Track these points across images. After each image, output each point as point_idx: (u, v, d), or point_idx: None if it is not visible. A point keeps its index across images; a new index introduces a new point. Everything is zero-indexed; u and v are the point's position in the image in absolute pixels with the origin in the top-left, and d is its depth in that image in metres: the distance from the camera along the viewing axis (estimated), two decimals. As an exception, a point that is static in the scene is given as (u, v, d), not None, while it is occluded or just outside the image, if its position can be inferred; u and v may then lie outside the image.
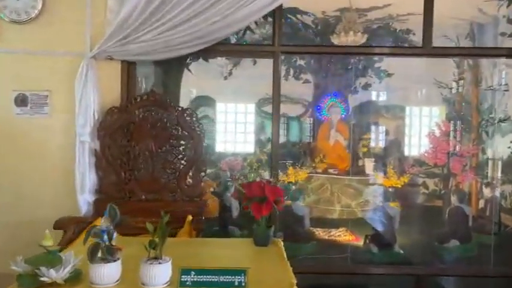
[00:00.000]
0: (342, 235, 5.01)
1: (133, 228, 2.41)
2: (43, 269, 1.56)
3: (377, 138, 6.26)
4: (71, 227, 2.60)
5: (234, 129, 6.67)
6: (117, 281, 1.64)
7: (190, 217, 2.91)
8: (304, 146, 6.28)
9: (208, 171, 5.72)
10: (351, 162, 5.97)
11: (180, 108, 3.10)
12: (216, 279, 1.64)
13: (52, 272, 1.56)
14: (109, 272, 1.59)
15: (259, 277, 1.74)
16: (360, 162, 6.05)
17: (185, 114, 3.09)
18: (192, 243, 2.36)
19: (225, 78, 6.02)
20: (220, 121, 6.45)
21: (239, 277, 1.65)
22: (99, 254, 1.60)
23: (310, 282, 3.40)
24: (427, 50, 3.27)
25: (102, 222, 1.74)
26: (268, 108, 5.71)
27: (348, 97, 6.15)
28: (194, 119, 3.09)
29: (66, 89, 3.06)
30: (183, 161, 3.11)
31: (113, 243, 1.94)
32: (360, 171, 5.84)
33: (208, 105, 6.22)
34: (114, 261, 1.62)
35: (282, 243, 2.29)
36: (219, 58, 5.46)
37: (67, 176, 3.03)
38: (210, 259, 2.02)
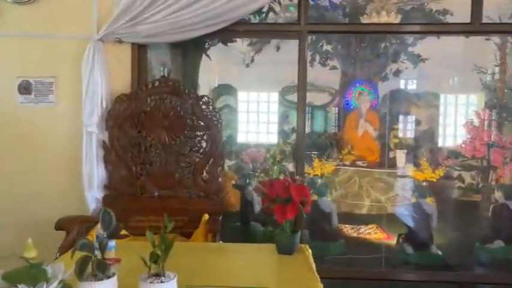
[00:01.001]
0: (372, 233, 4.66)
1: (145, 228, 2.13)
2: (21, 287, 1.29)
3: (409, 129, 5.85)
4: (74, 228, 2.35)
5: (256, 119, 6.38)
6: (112, 301, 1.36)
7: (206, 216, 2.63)
8: (331, 137, 5.92)
9: (230, 163, 5.46)
10: (380, 154, 5.60)
11: (195, 96, 2.79)
12: (230, 302, 1.35)
13: (32, 291, 1.29)
14: (101, 291, 1.31)
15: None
16: (391, 154, 5.67)
17: (201, 102, 2.79)
18: (205, 249, 2.07)
19: (247, 65, 5.70)
20: (242, 111, 6.16)
21: (259, 299, 1.35)
22: (90, 270, 1.32)
23: (339, 286, 3.09)
24: (476, 26, 2.86)
25: (98, 229, 1.46)
26: (293, 97, 5.40)
27: (378, 84, 5.76)
28: (211, 107, 2.79)
29: (72, 76, 2.81)
30: (198, 154, 2.82)
31: (110, 254, 1.67)
32: (391, 164, 5.46)
33: (229, 94, 5.93)
34: (108, 277, 1.34)
35: (310, 250, 1.97)
36: (240, 44, 5.15)
37: (74, 170, 2.78)
38: (224, 272, 1.72)
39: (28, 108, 2.88)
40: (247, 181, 4.85)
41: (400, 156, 5.53)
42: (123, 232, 1.52)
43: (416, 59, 5.57)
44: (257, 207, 4.50)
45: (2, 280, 1.32)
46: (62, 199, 2.79)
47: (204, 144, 2.82)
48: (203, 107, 2.78)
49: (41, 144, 2.87)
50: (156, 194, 2.82)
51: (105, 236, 1.39)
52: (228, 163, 5.17)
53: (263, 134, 6.37)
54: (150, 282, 1.32)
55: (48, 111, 2.88)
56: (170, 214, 1.44)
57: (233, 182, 4.84)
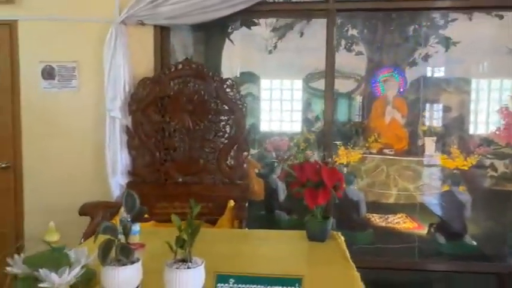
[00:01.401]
0: (401, 222, 4.50)
1: (169, 215, 2.07)
2: (43, 271, 1.24)
3: (438, 115, 5.63)
4: (98, 213, 2.31)
5: (279, 107, 6.26)
6: (136, 287, 1.29)
7: (232, 202, 2.55)
8: (356, 125, 5.75)
9: (253, 152, 5.37)
10: (409, 141, 5.42)
11: (219, 79, 2.70)
12: (261, 290, 1.26)
13: (54, 275, 1.23)
14: (125, 276, 1.24)
15: (318, 287, 1.33)
16: (420, 142, 5.48)
17: (225, 86, 2.70)
18: (232, 236, 1.99)
19: (270, 52, 5.56)
20: (265, 99, 6.06)
21: (293, 287, 1.25)
22: (113, 254, 1.25)
23: (367, 275, 2.97)
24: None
25: (122, 213, 1.39)
26: (317, 84, 5.24)
27: (406, 70, 5.54)
28: (235, 90, 2.70)
29: (94, 60, 2.77)
30: (223, 139, 2.74)
31: (135, 239, 1.61)
32: (420, 152, 5.27)
33: (252, 81, 5.81)
34: (132, 263, 1.27)
35: (342, 237, 1.87)
36: (263, 29, 5.02)
37: (98, 156, 2.75)
38: (253, 259, 1.63)
39: (52, 93, 2.85)
40: (271, 169, 4.76)
41: (430, 143, 5.33)
42: (147, 216, 1.44)
43: (447, 43, 5.31)
44: (282, 196, 4.42)
45: (23, 264, 1.27)
46: (87, 185, 2.76)
47: (228, 129, 2.74)
48: (227, 90, 2.69)
49: (65, 130, 2.84)
50: (180, 180, 2.75)
51: (128, 219, 1.31)
52: (251, 152, 5.09)
53: (286, 122, 6.25)
54: (177, 268, 1.24)
55: (72, 97, 2.84)
56: (195, 201, 1.35)
57: (256, 170, 4.75)
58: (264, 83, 6.12)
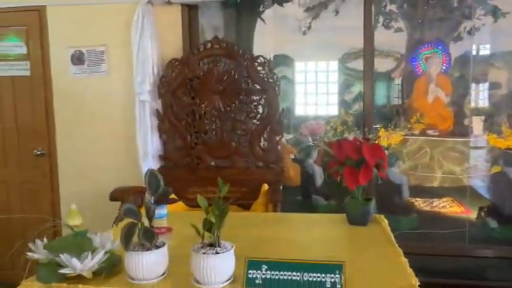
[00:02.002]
0: (447, 206, 4.25)
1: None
2: (64, 257, 1.17)
3: (485, 93, 5.26)
4: (129, 198, 2.25)
5: (315, 90, 6.07)
6: (162, 274, 1.20)
7: (266, 186, 2.44)
8: (397, 105, 5.49)
9: (288, 137, 5.23)
10: (454, 121, 5.10)
11: (249, 56, 2.57)
12: (297, 277, 1.13)
13: (75, 261, 1.15)
14: (149, 262, 1.15)
15: (361, 274, 1.20)
16: (466, 121, 5.15)
17: (256, 64, 2.56)
18: (266, 220, 1.87)
19: (304, 33, 5.36)
20: (299, 82, 5.89)
21: (332, 275, 1.12)
22: (136, 239, 1.16)
23: (412, 262, 2.79)
24: None
25: (146, 195, 1.30)
26: (354, 64, 5.02)
27: (450, 45, 5.20)
28: (267, 69, 2.56)
29: (123, 43, 2.70)
30: (255, 121, 2.62)
31: (162, 222, 1.52)
32: (466, 132, 4.95)
33: (286, 64, 5.64)
34: (157, 247, 1.18)
35: (386, 221, 1.71)
36: (295, 8, 4.83)
37: (129, 142, 2.70)
38: (288, 244, 1.51)
39: (82, 79, 2.82)
40: (308, 154, 4.61)
41: (477, 123, 5.00)
42: (172, 196, 1.34)
43: (496, 13, 4.92)
44: (319, 180, 4.29)
45: (45, 250, 1.20)
46: (119, 170, 2.73)
47: (260, 110, 2.61)
48: (259, 68, 2.56)
49: (95, 116, 2.81)
50: (213, 163, 2.66)
51: (152, 201, 1.22)
52: (286, 137, 4.95)
53: (322, 105, 6.06)
54: (204, 253, 1.13)
55: (101, 82, 2.80)
56: (223, 181, 1.24)
57: (292, 156, 4.62)
58: (299, 65, 5.94)
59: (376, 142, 4.48)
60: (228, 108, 2.62)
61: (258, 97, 2.59)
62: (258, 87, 2.57)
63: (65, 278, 1.18)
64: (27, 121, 2.91)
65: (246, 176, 2.60)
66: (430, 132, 5.06)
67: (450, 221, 3.90)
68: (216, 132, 2.65)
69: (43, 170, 2.93)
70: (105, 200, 2.33)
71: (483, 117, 5.00)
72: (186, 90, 2.64)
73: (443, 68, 5.23)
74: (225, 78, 2.59)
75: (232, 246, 1.18)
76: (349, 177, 1.61)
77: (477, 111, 5.03)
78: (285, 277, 1.14)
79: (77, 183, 2.83)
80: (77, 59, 2.80)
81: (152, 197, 1.23)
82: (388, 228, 1.62)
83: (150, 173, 1.25)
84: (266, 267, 1.16)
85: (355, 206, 1.67)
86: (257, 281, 1.15)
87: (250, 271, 1.16)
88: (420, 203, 4.31)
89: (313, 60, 6.04)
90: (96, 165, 2.82)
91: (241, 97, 2.60)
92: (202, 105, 2.64)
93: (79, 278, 1.18)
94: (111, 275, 1.21)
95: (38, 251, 1.21)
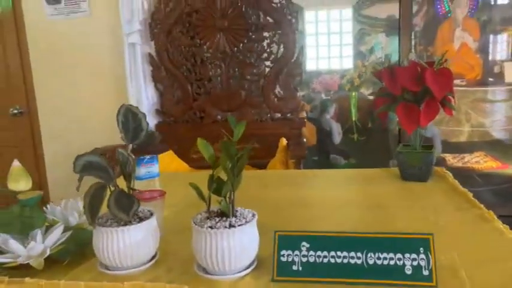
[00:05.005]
0: (481, 161, 3.83)
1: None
2: (1, 239, 0.77)
3: (517, 37, 4.74)
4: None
5: (327, 42, 5.58)
6: (149, 261, 0.79)
7: (284, 141, 2.02)
8: (418, 55, 4.99)
9: (299, 94, 4.81)
10: (483, 69, 4.62)
11: (259, -18, 2.10)
12: (358, 261, 0.72)
13: (16, 245, 0.76)
14: (128, 243, 0.74)
15: (455, 250, 0.79)
16: (496, 69, 4.66)
17: (268, -9, 2.09)
18: (291, 179, 1.46)
19: (313, -24, 4.83)
20: (310, 33, 5.38)
21: (414, 256, 0.71)
22: (113, 208, 0.75)
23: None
24: None
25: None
26: (370, 11, 4.51)
27: (477, -16, 4.65)
28: (281, -3, 2.08)
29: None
30: (268, 63, 2.18)
31: (153, 185, 1.11)
32: (497, 81, 4.47)
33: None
34: (140, 220, 0.77)
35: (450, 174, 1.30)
36: None
37: (119, 93, 2.28)
38: (329, 211, 1.09)
39: (59, 21, 2.36)
40: (324, 109, 4.18)
41: (510, 70, 4.50)
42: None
43: None
44: (337, 138, 3.89)
45: (-27, 227, 0.80)
46: (109, 127, 2.30)
47: (274, 49, 2.15)
48: (271, -3, 2.08)
49: (78, 64, 2.39)
50: (219, 117, 2.24)
51: (129, 151, 0.80)
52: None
53: (336, 58, 5.58)
54: (211, 228, 0.72)
55: (83, 23, 2.35)
56: (237, 142, 0.82)
57: (305, 114, 4.19)
58: (309, 15, 5.41)
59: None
60: (235, 49, 2.17)
61: (271, 33, 2.14)
62: (270, 20, 2.11)
63: (6, 269, 0.78)
64: (-1, 76, 2.48)
65: (259, 130, 2.19)
66: (457, 81, 4.58)
67: (487, 177, 3.50)
68: (221, 79, 2.22)
69: (22, 131, 2.52)
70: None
71: (516, 63, 4.51)
72: (183, 28, 2.19)
73: (471, 10, 4.69)
74: (230, 11, 2.13)
75: (253, 215, 0.77)
76: (405, 117, 1.18)
77: (508, 57, 4.55)
78: (338, 260, 0.73)
79: (62, 143, 2.43)
80: (52, -4, 2.33)
81: (130, 145, 0.81)
82: (459, 184, 1.21)
83: (126, 110, 0.82)
84: (308, 245, 0.75)
85: (412, 156, 1.24)
86: (294, 267, 0.74)
87: (283, 252, 0.75)
88: (450, 159, 3.91)
89: (325, 9, 5.49)
90: (82, 122, 2.41)
91: (250, 34, 2.15)
92: (204, 47, 2.20)
93: (27, 268, 0.78)
94: (76, 262, 0.81)
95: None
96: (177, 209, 1.07)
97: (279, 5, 2.10)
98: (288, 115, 2.20)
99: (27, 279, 0.76)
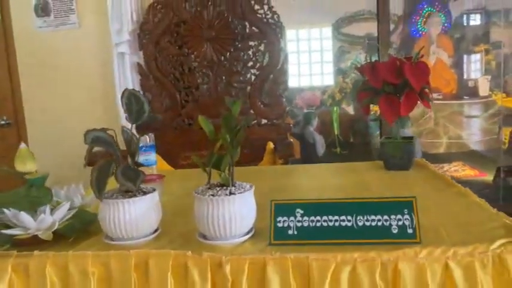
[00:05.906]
0: (459, 170, 3.96)
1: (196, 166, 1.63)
2: (11, 212, 0.80)
3: (490, 52, 4.97)
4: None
5: (308, 59, 5.74)
6: (154, 231, 0.84)
7: (271, 144, 2.09)
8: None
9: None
10: (458, 84, 4.81)
11: (244, -7, 2.20)
12: (348, 223, 0.78)
13: (26, 217, 0.79)
14: (133, 214, 0.79)
15: (435, 218, 0.86)
16: (470, 83, 4.86)
17: (252, 2, 2.18)
18: (281, 171, 1.52)
19: (294, -4, 5.01)
20: (291, 51, 5.54)
21: (399, 216, 0.77)
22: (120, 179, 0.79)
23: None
24: None
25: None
26: (349, 29, 4.69)
27: (449, 3, 4.89)
28: (266, 7, 2.18)
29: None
30: (254, 71, 2.25)
31: (150, 171, 1.16)
32: (471, 94, 4.67)
33: (276, 33, 5.29)
34: (144, 193, 0.82)
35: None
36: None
37: (109, 103, 2.31)
38: (319, 191, 1.16)
39: (48, 33, 2.41)
40: (307, 122, 4.27)
41: (484, 83, 4.71)
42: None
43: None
44: (321, 150, 3.97)
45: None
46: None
47: (260, 57, 2.24)
48: (256, 7, 2.18)
49: (68, 75, 2.42)
50: (207, 124, 2.28)
51: (132, 128, 0.86)
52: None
53: (317, 75, 5.74)
54: (212, 195, 0.78)
55: (72, 35, 2.40)
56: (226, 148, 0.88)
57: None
58: (290, 34, 5.56)
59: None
60: (222, 58, 2.25)
61: (256, 42, 2.22)
62: (256, 30, 2.20)
63: (15, 243, 0.81)
64: (-13, 87, 2.50)
65: (246, 135, 2.23)
66: (433, 95, 4.76)
67: (466, 184, 3.63)
68: (209, 87, 2.29)
69: (9, 142, 2.52)
70: (84, 173, 1.95)
71: (489, 78, 4.72)
72: (171, 38, 2.26)
73: (444, 27, 4.92)
74: (216, 22, 2.22)
75: (251, 186, 0.83)
76: (387, 108, 1.26)
77: (481, 72, 4.76)
78: (330, 223, 0.79)
79: (50, 156, 2.43)
80: (42, 9, 2.38)
81: (133, 125, 0.86)
82: (438, 171, 1.29)
83: (130, 93, 0.88)
84: (302, 211, 0.81)
85: (393, 146, 1.32)
86: (290, 231, 0.80)
87: (279, 218, 0.81)
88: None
89: (305, 27, 5.66)
90: (71, 134, 2.42)
91: (236, 43, 2.23)
92: (192, 56, 2.26)
93: (35, 243, 0.81)
94: (81, 238, 0.85)
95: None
96: (174, 197, 1.12)
97: (263, 14, 2.20)
98: (274, 121, 2.26)
99: (36, 252, 0.79)
